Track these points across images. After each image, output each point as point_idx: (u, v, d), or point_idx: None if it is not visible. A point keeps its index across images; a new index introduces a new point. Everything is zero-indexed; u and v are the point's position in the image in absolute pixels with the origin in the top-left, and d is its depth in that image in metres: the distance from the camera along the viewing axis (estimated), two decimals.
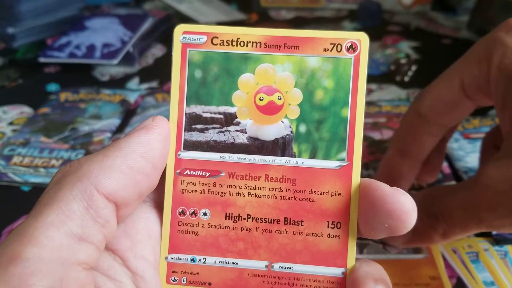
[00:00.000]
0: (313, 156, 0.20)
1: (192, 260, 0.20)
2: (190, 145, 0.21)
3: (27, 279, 0.15)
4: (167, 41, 0.71)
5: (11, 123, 0.53)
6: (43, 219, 0.16)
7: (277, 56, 0.20)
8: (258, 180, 0.20)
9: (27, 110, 0.56)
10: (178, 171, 0.20)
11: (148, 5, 0.84)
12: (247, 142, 0.20)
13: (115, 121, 0.52)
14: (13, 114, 0.55)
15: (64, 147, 0.48)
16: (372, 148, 0.46)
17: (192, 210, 0.20)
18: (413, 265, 0.33)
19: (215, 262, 0.20)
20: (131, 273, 0.19)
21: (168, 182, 0.21)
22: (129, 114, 0.54)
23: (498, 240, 0.36)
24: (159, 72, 0.63)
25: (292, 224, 0.20)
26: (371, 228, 0.19)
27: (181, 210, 0.21)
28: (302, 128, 0.21)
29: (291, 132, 0.21)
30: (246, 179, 0.20)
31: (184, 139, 0.21)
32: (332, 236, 0.20)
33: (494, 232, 0.36)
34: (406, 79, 0.58)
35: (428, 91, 0.31)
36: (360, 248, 0.35)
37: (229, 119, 0.21)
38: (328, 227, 0.20)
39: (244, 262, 0.20)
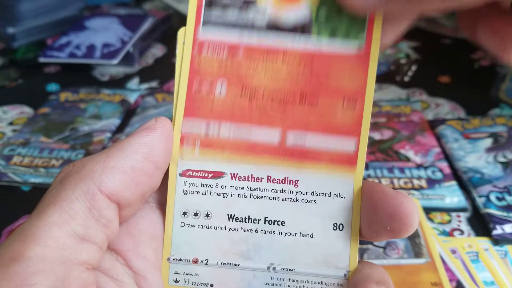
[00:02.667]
0: (332, 36, 0.20)
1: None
2: (211, 21, 0.20)
3: (29, 278, 0.15)
4: (167, 41, 0.71)
5: (11, 123, 0.53)
6: (46, 219, 0.16)
7: None
8: (276, 63, 0.20)
9: (27, 110, 0.56)
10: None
11: (148, 5, 0.84)
12: (265, 27, 0.20)
13: (115, 121, 0.52)
14: (13, 114, 0.55)
15: (64, 147, 0.48)
16: (372, 148, 0.46)
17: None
18: (414, 270, 0.33)
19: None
20: (134, 273, 0.19)
21: (170, 184, 0.21)
22: (129, 114, 0.54)
23: (498, 240, 0.36)
24: (159, 72, 0.63)
25: (307, 102, 0.20)
26: (373, 230, 0.19)
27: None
28: (322, 12, 0.20)
29: (311, 16, 0.20)
30: (263, 61, 0.20)
31: (204, 14, 0.20)
32: (346, 109, 0.20)
33: (494, 232, 0.36)
34: (406, 79, 0.58)
35: None
36: (360, 253, 0.34)
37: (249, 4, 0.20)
38: (343, 107, 0.20)
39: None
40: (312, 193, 0.20)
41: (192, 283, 0.20)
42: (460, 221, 0.38)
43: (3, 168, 0.45)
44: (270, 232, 0.20)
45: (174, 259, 0.20)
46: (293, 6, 0.20)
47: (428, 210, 0.39)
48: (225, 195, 0.20)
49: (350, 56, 0.20)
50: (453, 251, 0.35)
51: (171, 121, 0.20)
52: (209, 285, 0.20)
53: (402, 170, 0.43)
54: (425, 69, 0.61)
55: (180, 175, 0.20)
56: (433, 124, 0.49)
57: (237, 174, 0.20)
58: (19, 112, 0.56)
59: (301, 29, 0.20)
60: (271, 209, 0.20)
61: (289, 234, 0.20)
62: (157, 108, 0.54)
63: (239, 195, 0.20)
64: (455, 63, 0.61)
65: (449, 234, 0.37)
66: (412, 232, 0.18)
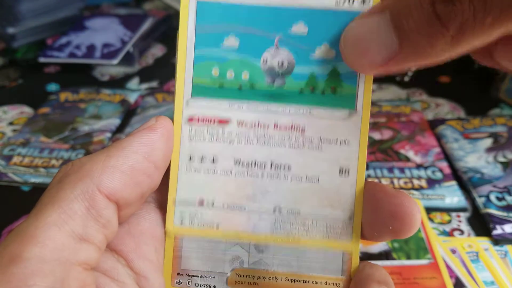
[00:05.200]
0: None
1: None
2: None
3: (28, 279, 0.15)
4: (167, 41, 0.71)
5: (11, 123, 0.53)
6: (44, 219, 0.16)
7: None
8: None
9: (27, 110, 0.56)
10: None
11: (148, 5, 0.84)
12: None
13: (115, 121, 0.52)
14: (13, 114, 0.55)
15: (64, 147, 0.48)
16: (372, 148, 0.46)
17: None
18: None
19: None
20: (135, 274, 0.19)
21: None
22: (129, 114, 0.54)
23: (498, 240, 0.36)
24: (159, 72, 0.63)
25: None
26: (375, 230, 0.19)
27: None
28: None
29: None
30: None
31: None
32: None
33: (494, 232, 0.36)
34: (406, 79, 0.58)
35: None
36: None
37: None
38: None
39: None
40: (319, 139, 0.20)
41: (198, 224, 0.20)
42: (460, 221, 0.38)
43: (3, 168, 0.45)
44: (276, 177, 0.20)
45: (179, 201, 0.20)
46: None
47: (428, 210, 0.39)
48: (232, 142, 0.20)
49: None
50: (453, 251, 0.35)
51: (172, 121, 0.20)
52: (214, 226, 0.20)
53: (402, 170, 0.43)
54: (425, 69, 0.60)
55: (187, 121, 0.20)
56: (433, 124, 0.49)
57: (243, 121, 0.20)
58: (19, 112, 0.56)
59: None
60: (277, 155, 0.20)
61: (295, 178, 0.20)
62: (157, 108, 0.54)
63: (246, 142, 0.20)
64: (455, 63, 0.60)
65: (449, 234, 0.37)
66: (414, 232, 0.18)
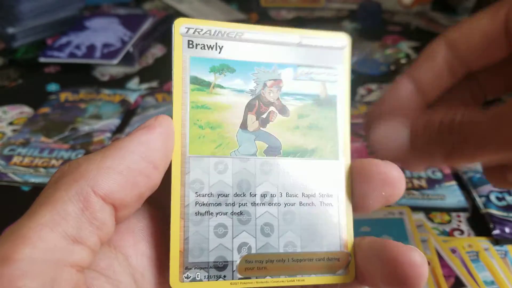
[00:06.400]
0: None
1: None
2: None
3: (17, 280, 0.15)
4: (167, 41, 0.71)
5: (11, 123, 0.53)
6: (37, 219, 0.16)
7: None
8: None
9: (27, 110, 0.56)
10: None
11: (148, 5, 0.84)
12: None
13: (115, 121, 0.52)
14: (13, 114, 0.55)
15: (64, 147, 0.48)
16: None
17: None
18: None
19: None
20: (132, 270, 0.19)
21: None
22: (129, 114, 0.54)
23: (498, 240, 0.36)
24: (159, 72, 0.63)
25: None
26: (368, 199, 0.21)
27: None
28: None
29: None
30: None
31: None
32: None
33: (494, 232, 0.36)
34: None
35: (467, 20, 0.26)
36: None
37: None
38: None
39: None
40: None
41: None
42: (460, 221, 0.38)
43: (3, 168, 0.45)
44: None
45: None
46: None
47: (428, 210, 0.39)
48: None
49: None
50: (453, 251, 0.35)
51: (171, 119, 0.20)
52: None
53: (402, 170, 0.43)
54: None
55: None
56: None
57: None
58: (19, 112, 0.56)
59: None
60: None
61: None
62: (157, 108, 0.54)
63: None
64: None
65: (449, 234, 0.37)
66: (401, 194, 0.21)
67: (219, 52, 0.21)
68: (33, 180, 0.43)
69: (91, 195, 0.17)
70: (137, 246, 0.19)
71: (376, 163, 0.21)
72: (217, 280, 0.20)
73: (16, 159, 0.46)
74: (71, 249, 0.16)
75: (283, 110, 0.21)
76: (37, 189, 0.43)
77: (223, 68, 0.21)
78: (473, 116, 0.21)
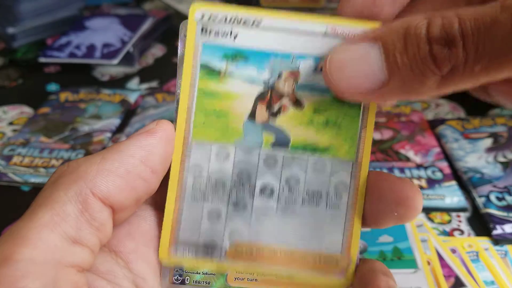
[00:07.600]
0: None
1: None
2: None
3: (18, 281, 0.15)
4: (167, 41, 0.71)
5: (11, 123, 0.53)
6: (37, 220, 0.16)
7: None
8: None
9: (27, 110, 0.56)
10: None
11: (148, 5, 0.84)
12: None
13: (115, 121, 0.52)
14: (13, 114, 0.55)
15: (64, 147, 0.48)
16: (372, 148, 0.46)
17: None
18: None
19: None
20: (133, 275, 0.19)
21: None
22: (129, 114, 0.54)
23: (498, 240, 0.36)
24: (159, 72, 0.63)
25: None
26: (379, 217, 0.20)
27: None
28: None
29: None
30: None
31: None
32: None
33: (494, 232, 0.36)
34: None
35: None
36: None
37: None
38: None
39: None
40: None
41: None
42: (460, 221, 0.38)
43: (3, 168, 0.45)
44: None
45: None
46: None
47: (428, 210, 0.39)
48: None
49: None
50: (453, 251, 0.35)
51: (173, 124, 0.20)
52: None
53: (402, 170, 0.43)
54: None
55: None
56: (433, 124, 0.49)
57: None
58: (19, 112, 0.56)
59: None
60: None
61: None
62: (157, 108, 0.54)
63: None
64: None
65: (449, 234, 0.37)
66: (416, 215, 0.19)
67: (234, 39, 0.20)
68: (33, 180, 0.43)
69: (89, 196, 0.17)
70: (137, 251, 0.19)
71: (389, 179, 0.19)
72: (204, 258, 0.20)
73: (16, 159, 0.46)
74: (71, 249, 0.16)
75: (297, 103, 0.20)
76: (37, 189, 0.43)
77: (236, 56, 0.20)
78: (479, 13, 0.15)
